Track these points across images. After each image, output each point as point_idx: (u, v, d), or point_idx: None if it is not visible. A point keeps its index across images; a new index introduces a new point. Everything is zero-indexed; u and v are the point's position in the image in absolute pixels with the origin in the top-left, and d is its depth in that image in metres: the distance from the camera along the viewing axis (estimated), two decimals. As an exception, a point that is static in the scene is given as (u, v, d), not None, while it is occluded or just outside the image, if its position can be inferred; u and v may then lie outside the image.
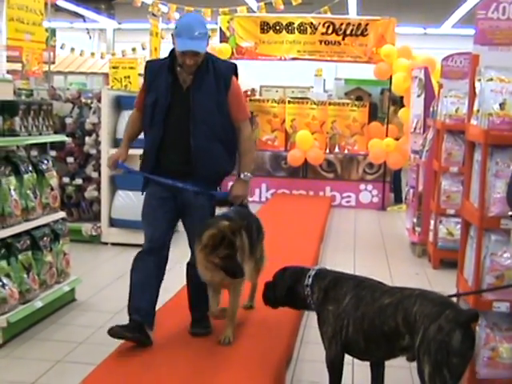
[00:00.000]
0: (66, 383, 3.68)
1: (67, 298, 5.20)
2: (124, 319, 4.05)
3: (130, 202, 7.17)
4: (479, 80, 3.84)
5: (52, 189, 5.11)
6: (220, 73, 4.06)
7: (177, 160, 4.03)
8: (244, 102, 4.30)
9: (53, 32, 13.80)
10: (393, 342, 3.12)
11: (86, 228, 7.39)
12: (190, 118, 3.96)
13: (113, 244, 7.34)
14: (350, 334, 3.25)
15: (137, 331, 3.92)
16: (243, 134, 4.16)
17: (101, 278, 6.10)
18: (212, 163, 4.04)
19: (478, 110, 3.83)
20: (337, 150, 11.37)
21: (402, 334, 3.05)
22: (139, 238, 6.90)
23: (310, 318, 4.98)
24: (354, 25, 10.89)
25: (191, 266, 4.13)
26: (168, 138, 4.02)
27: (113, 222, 7.37)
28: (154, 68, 4.14)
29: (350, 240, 8.30)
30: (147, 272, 4.07)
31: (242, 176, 4.17)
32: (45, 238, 4.91)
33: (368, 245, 8.08)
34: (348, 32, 10.92)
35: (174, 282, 4.82)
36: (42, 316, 4.81)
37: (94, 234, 7.36)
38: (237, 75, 4.19)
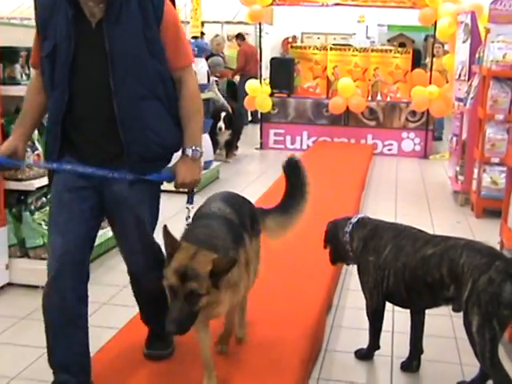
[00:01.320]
0: (112, 324, 3.78)
1: (113, 242, 5.29)
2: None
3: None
4: (529, 24, 3.74)
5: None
6: None
7: (97, 135, 2.76)
8: (185, 39, 2.90)
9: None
10: (436, 292, 3.11)
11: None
12: (107, 68, 2.65)
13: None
14: (391, 285, 3.25)
15: None
16: (187, 88, 2.85)
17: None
18: (150, 133, 2.76)
19: (527, 56, 3.74)
20: (379, 97, 11.24)
21: (447, 284, 3.03)
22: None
23: (350, 266, 5.01)
24: (398, -32, 10.61)
25: (134, 279, 3.19)
26: (79, 103, 2.73)
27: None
28: (46, 2, 2.74)
29: (392, 188, 8.25)
30: (67, 311, 2.81)
31: (188, 152, 2.83)
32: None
33: (410, 193, 8.02)
34: (392, -24, 10.66)
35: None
36: (92, 258, 4.92)
37: (136, 180, 7.43)
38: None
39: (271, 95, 11.20)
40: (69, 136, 2.79)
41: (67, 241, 2.76)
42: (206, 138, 7.90)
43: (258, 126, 11.59)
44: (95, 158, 2.78)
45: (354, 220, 3.51)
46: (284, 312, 3.79)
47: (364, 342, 3.55)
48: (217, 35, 13.64)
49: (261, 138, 11.29)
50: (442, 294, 3.09)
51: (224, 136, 9.54)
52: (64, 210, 2.80)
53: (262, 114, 11.39)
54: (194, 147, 2.83)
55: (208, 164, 7.85)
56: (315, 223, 5.57)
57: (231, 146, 9.94)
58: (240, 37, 13.72)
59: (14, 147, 2.82)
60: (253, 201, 6.66)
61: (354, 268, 5.03)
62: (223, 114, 9.43)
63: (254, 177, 8.83)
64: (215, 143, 9.08)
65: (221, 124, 9.35)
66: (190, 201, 2.93)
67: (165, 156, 2.91)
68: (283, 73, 11.32)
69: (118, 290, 4.48)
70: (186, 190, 2.92)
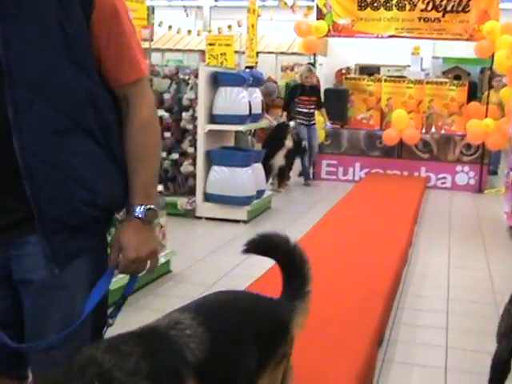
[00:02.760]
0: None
1: (163, 269, 5.34)
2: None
3: (225, 178, 7.26)
4: None
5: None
6: None
7: None
8: (134, 40, 1.88)
9: (152, 10, 14.09)
10: None
11: (182, 202, 7.54)
12: (4, 89, 1.69)
13: (207, 218, 7.40)
14: None
15: None
16: (135, 114, 1.87)
17: (195, 251, 6.23)
18: (74, 187, 1.78)
19: None
20: (433, 129, 11.15)
21: None
22: (233, 213, 7.11)
23: (402, 300, 4.94)
24: (455, 0, 10.55)
25: None
26: None
27: (207, 197, 7.47)
28: None
29: (445, 223, 8.12)
30: None
31: (137, 212, 1.88)
32: (143, 211, 5.02)
33: (464, 228, 7.89)
34: (448, 8, 10.60)
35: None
36: (140, 285, 4.97)
37: (188, 208, 7.50)
38: None
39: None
40: None
41: None
42: (258, 167, 7.93)
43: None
44: None
45: None
46: (333, 344, 3.72)
47: (416, 379, 3.47)
48: (301, 65, 13.54)
49: (313, 168, 11.28)
50: None
51: (280, 158, 9.57)
52: None
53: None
54: (142, 205, 1.87)
55: (260, 193, 7.87)
56: (367, 255, 5.54)
57: (284, 176, 9.95)
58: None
59: None
60: (305, 231, 6.62)
61: (405, 302, 4.97)
62: (292, 123, 9.71)
63: (306, 207, 8.81)
64: (268, 171, 9.08)
65: (291, 130, 9.59)
66: (128, 289, 2.05)
67: (102, 220, 1.90)
68: (337, 104, 11.34)
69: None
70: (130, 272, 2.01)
